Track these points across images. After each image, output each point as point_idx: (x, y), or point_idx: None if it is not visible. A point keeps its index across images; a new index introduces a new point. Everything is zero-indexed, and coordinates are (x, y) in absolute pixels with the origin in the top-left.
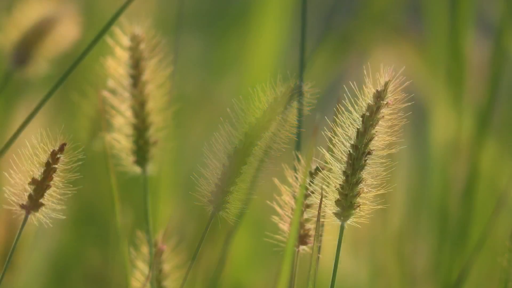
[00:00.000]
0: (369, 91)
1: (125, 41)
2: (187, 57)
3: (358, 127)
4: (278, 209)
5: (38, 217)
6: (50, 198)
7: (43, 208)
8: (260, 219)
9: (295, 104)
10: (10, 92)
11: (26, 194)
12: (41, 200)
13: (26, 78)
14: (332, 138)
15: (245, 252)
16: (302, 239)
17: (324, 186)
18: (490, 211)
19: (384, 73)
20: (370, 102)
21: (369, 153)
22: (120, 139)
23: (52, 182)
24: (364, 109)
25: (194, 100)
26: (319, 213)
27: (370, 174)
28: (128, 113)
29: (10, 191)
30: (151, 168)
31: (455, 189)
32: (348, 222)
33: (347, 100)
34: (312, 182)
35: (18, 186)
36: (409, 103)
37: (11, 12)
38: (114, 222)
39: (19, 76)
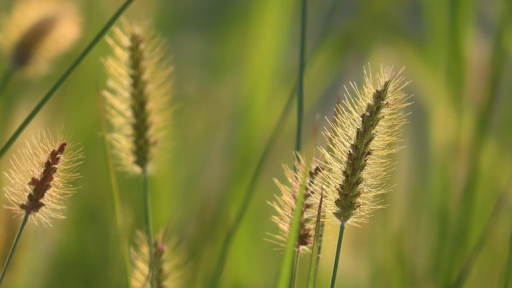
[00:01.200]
0: (369, 91)
1: (125, 41)
2: (187, 57)
3: (358, 127)
4: (278, 209)
5: (38, 217)
6: (50, 198)
7: (43, 208)
8: (260, 219)
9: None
10: (10, 92)
11: (26, 194)
12: (41, 200)
13: (26, 78)
14: (332, 138)
15: (245, 252)
16: (302, 239)
17: (324, 186)
18: (490, 210)
19: (384, 73)
20: (370, 102)
21: (369, 153)
22: (120, 139)
23: (52, 182)
24: (364, 109)
25: (194, 100)
26: (319, 213)
27: (370, 174)
28: (128, 113)
29: (10, 191)
30: (151, 168)
31: (455, 189)
32: (348, 222)
33: (347, 100)
34: (312, 182)
35: (18, 186)
36: (409, 103)
37: (11, 12)
38: (114, 222)
39: (19, 76)
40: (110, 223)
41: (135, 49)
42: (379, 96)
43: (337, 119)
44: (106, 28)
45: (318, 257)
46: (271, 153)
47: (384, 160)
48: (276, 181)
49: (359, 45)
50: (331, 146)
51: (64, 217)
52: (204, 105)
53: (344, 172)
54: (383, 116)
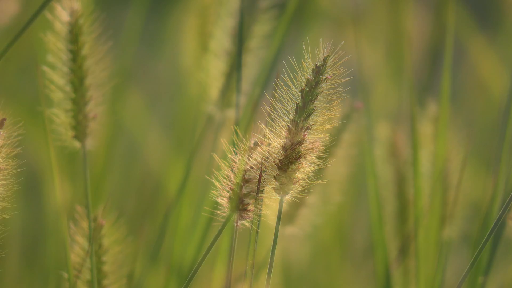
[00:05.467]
0: (308, 66)
1: (64, 16)
2: (126, 32)
3: (297, 102)
4: (217, 184)
5: None
6: None
7: None
8: (199, 194)
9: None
10: None
11: None
12: None
13: None
14: (271, 113)
15: (185, 227)
16: (241, 213)
17: (263, 161)
18: (432, 187)
19: (323, 48)
20: (309, 77)
21: (307, 128)
22: (59, 114)
23: None
24: (303, 84)
25: (133, 75)
26: (258, 188)
27: (309, 149)
28: (67, 88)
29: None
30: (90, 143)
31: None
32: (287, 197)
33: (286, 75)
34: (251, 157)
35: None
36: (349, 78)
37: None
38: (53, 196)
39: None
40: (50, 198)
41: (74, 24)
42: (318, 71)
43: (276, 94)
44: (45, 3)
45: (257, 232)
46: (210, 128)
47: (323, 135)
48: (215, 156)
49: (299, 20)
50: (270, 121)
51: (4, 191)
52: (143, 80)
53: (283, 147)
54: (322, 91)
